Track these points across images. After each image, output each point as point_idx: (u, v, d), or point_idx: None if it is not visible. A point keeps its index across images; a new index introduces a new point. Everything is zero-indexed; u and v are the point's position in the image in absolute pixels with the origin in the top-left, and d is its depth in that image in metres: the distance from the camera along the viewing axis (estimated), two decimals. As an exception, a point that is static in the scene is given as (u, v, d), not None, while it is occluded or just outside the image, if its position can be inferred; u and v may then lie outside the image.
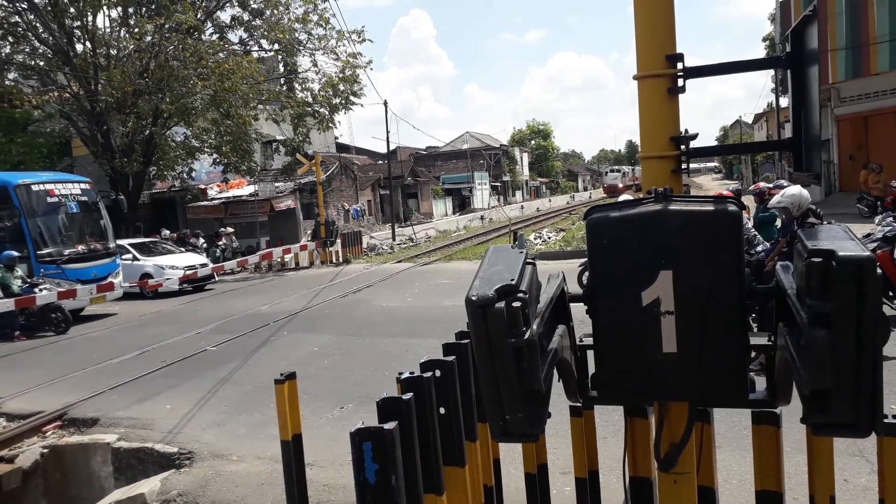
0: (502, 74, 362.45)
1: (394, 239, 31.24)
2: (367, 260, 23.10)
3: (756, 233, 7.94)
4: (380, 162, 49.46)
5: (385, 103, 34.61)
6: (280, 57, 25.90)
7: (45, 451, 6.94)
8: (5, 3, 23.13)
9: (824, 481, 2.55)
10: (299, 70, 25.41)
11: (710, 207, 1.98)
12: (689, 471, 2.33)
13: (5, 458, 6.77)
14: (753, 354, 2.33)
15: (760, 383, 2.20)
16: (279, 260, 22.85)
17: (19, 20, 23.50)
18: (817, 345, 1.65)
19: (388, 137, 35.85)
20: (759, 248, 7.42)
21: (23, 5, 22.98)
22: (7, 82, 24.73)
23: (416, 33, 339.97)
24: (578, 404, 2.92)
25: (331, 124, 25.77)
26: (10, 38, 23.74)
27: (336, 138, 45.54)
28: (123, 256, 17.66)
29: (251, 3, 25.31)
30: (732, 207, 1.98)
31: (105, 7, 23.34)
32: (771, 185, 10.97)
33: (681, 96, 2.38)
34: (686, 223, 1.96)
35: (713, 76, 2.51)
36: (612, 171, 76.14)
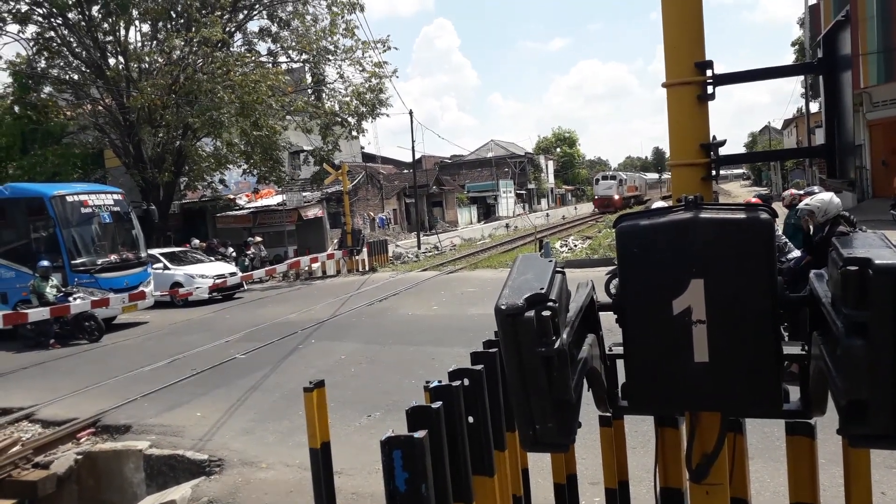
0: (526, 83, 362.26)
1: (419, 247, 31.29)
2: (393, 268, 23.17)
3: (787, 240, 7.81)
4: (405, 171, 49.66)
5: (410, 112, 34.78)
6: (307, 67, 26.22)
7: (80, 457, 7.07)
8: (41, 20, 23.76)
9: (861, 494, 2.50)
10: (327, 80, 25.72)
11: (742, 215, 1.96)
12: (721, 482, 2.30)
13: (41, 463, 6.91)
14: (785, 364, 2.30)
15: (794, 393, 2.17)
16: (306, 268, 23.02)
17: (54, 35, 24.12)
18: (854, 354, 1.62)
19: (413, 147, 35.99)
20: (791, 256, 7.30)
21: (58, 21, 23.60)
22: (43, 95, 25.38)
23: (439, 43, 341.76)
24: (608, 414, 2.89)
25: (356, 133, 26.01)
26: (46, 53, 24.39)
27: (362, 148, 45.94)
28: (154, 266, 17.94)
29: (279, 14, 25.68)
30: (764, 215, 1.96)
31: (136, 22, 23.87)
32: (801, 192, 10.79)
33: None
34: (717, 231, 1.94)
35: (743, 83, 2.49)
36: (604, 178, 57.25)
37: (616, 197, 53.36)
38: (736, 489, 2.53)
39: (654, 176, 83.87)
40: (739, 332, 1.96)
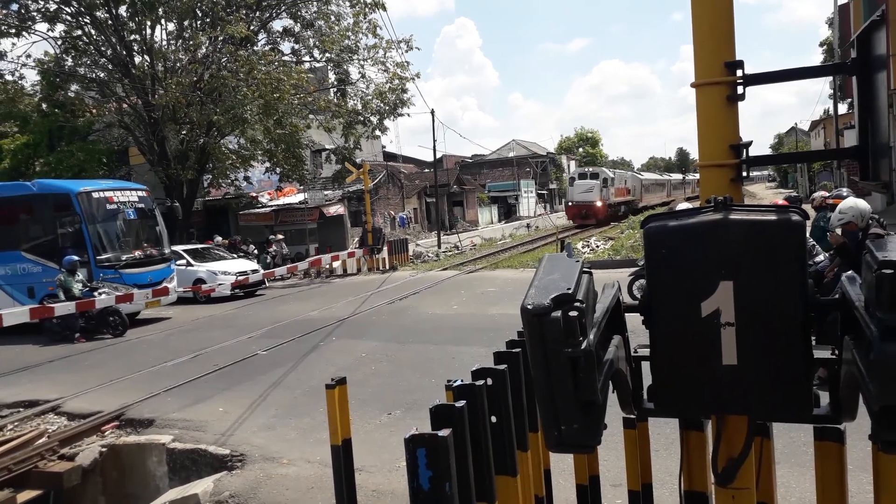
0: (546, 84, 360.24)
1: (439, 246, 31.32)
2: (413, 267, 23.21)
3: (815, 242, 7.70)
4: (426, 170, 49.73)
5: (432, 112, 34.84)
6: (330, 66, 26.37)
7: (104, 449, 7.17)
8: (69, 19, 24.14)
9: (891, 501, 2.45)
10: (349, 79, 25.84)
11: (773, 217, 1.93)
12: (748, 486, 2.28)
13: (66, 455, 7.01)
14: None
15: (824, 398, 2.14)
16: (327, 266, 23.14)
17: (82, 34, 24.48)
18: (888, 359, 1.59)
19: (434, 146, 36.05)
20: (819, 259, 7.19)
21: (85, 20, 23.94)
22: (70, 94, 25.78)
23: (460, 43, 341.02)
24: (633, 416, 2.87)
25: (378, 132, 26.11)
26: (73, 52, 24.77)
27: (383, 147, 46.08)
28: (178, 262, 18.10)
29: (303, 14, 25.85)
30: (796, 217, 1.93)
31: (162, 20, 24.15)
32: (828, 195, 10.62)
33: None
34: (747, 233, 1.92)
35: (773, 83, 2.46)
36: (582, 176, 42.16)
37: (599, 203, 39.53)
38: (762, 494, 2.51)
39: (652, 176, 65.81)
40: (769, 335, 1.93)
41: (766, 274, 1.91)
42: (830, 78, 28.86)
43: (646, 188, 54.32)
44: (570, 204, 42.23)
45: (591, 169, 44.93)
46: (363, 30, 24.53)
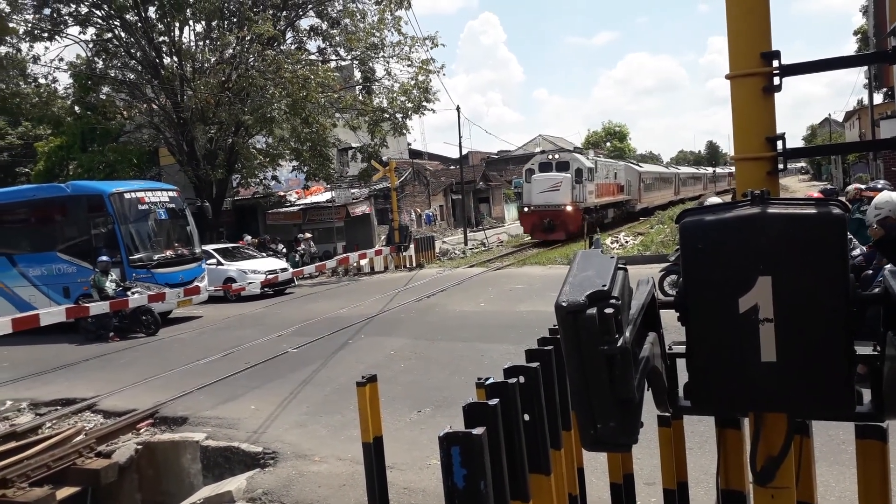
0: (572, 78, 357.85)
1: (466, 243, 31.30)
2: (440, 264, 23.24)
3: (851, 236, 7.54)
4: (452, 167, 49.73)
5: (458, 108, 34.80)
6: (355, 64, 26.49)
7: (139, 447, 7.29)
8: (100, 22, 24.58)
9: (937, 501, 2.39)
10: (375, 77, 25.94)
11: (813, 210, 1.89)
12: (787, 486, 2.23)
13: (103, 452, 7.15)
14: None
15: (866, 395, 2.09)
16: (355, 265, 23.28)
17: (112, 36, 24.92)
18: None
19: (460, 142, 36.03)
20: (856, 253, 7.04)
21: (116, 23, 24.36)
22: (101, 96, 26.27)
23: (484, 38, 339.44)
24: (667, 414, 2.84)
25: (404, 130, 26.18)
26: (104, 54, 25.23)
27: (409, 144, 46.14)
28: (208, 261, 18.37)
29: (329, 12, 25.99)
30: (836, 210, 1.88)
31: (191, 21, 24.47)
32: (864, 187, 10.40)
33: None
34: (786, 227, 1.87)
35: (811, 73, 2.40)
36: (545, 166, 29.28)
37: (569, 208, 27.01)
38: (802, 493, 2.46)
39: (654, 168, 50.88)
40: (809, 331, 1.89)
41: (807, 269, 1.86)
42: (865, 67, 28.22)
43: (646, 184, 41.18)
44: (525, 210, 28.69)
45: (557, 156, 30.43)
46: (388, 26, 24.59)
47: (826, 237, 1.87)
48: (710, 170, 70.28)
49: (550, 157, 30.22)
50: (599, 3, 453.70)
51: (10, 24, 24.04)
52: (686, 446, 3.27)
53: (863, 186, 10.47)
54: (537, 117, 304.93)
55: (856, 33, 49.45)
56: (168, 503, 7.01)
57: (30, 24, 24.40)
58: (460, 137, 36.17)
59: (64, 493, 6.60)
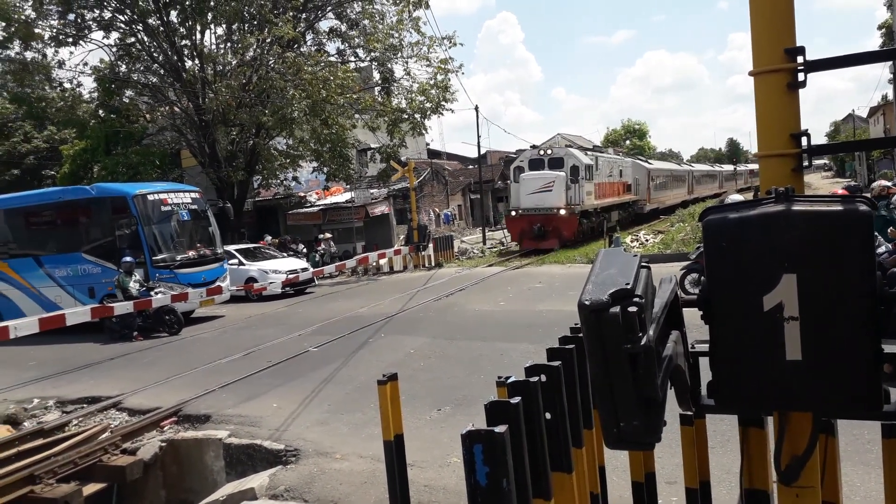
0: (590, 77, 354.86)
1: (484, 243, 31.29)
2: (459, 264, 23.24)
3: (876, 233, 7.44)
4: (470, 166, 49.67)
5: (476, 108, 34.83)
6: (374, 65, 26.58)
7: (164, 444, 7.38)
8: (123, 26, 24.91)
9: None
10: (394, 77, 26.01)
11: (839, 207, 1.87)
12: (812, 485, 2.21)
13: (128, 450, 7.24)
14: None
15: (894, 394, 2.07)
16: (374, 264, 23.36)
17: (135, 41, 25.24)
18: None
19: (479, 142, 35.99)
20: (882, 250, 6.95)
21: (138, 27, 24.67)
22: (125, 99, 26.63)
23: (502, 38, 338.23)
24: (690, 413, 2.83)
25: (423, 130, 26.22)
26: (127, 59, 25.57)
27: (427, 144, 46.17)
28: (230, 261, 18.54)
29: (349, 13, 26.11)
30: (863, 207, 1.87)
31: (212, 25, 24.70)
32: (889, 184, 10.24)
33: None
34: (812, 224, 1.86)
35: (837, 69, 2.38)
36: (535, 162, 25.78)
37: (562, 212, 24.19)
38: (827, 493, 2.43)
39: (665, 165, 46.55)
40: (835, 330, 1.87)
41: (833, 266, 1.85)
42: (890, 63, 27.76)
43: (656, 183, 37.53)
44: (512, 214, 25.48)
45: (549, 151, 26.82)
46: (407, 27, 24.64)
47: (852, 234, 1.86)
48: (729, 167, 66.35)
49: (542, 152, 26.44)
50: (617, 1, 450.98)
51: (36, 30, 24.50)
52: (708, 445, 3.25)
53: (888, 183, 10.32)
54: (556, 116, 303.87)
55: (880, 28, 48.64)
56: (192, 500, 7.09)
57: (55, 30, 24.83)
58: (479, 137, 36.34)
59: (90, 489, 6.70)
